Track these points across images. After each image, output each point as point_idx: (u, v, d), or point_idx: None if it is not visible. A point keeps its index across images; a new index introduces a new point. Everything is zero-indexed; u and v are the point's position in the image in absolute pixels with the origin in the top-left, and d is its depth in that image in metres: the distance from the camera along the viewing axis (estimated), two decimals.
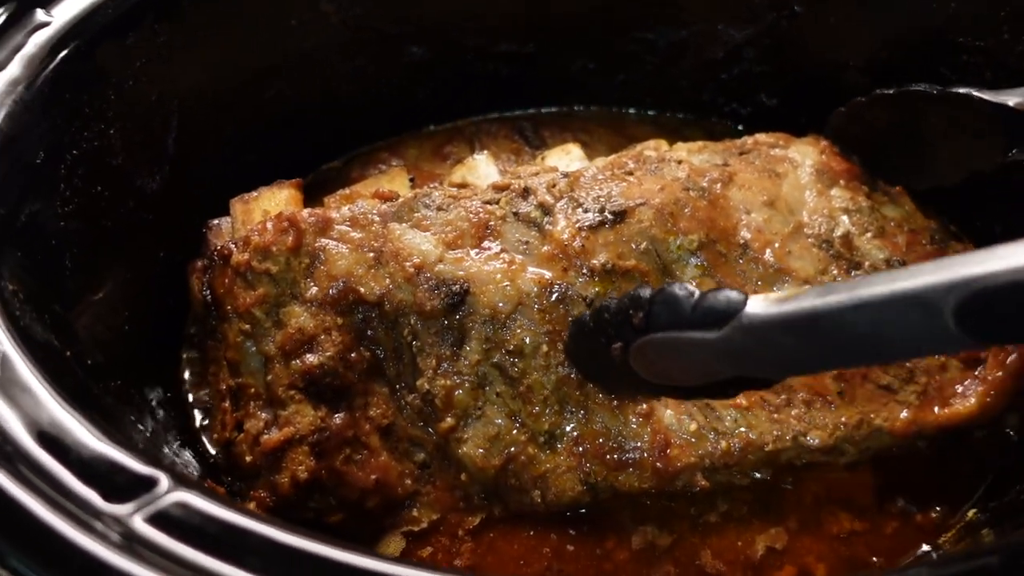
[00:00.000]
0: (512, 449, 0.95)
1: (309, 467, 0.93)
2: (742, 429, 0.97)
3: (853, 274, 1.06)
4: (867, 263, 1.07)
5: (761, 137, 1.20)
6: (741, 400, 0.98)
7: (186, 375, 1.11)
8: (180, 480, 0.65)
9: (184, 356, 1.13)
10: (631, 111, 1.44)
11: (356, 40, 1.28)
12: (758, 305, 0.73)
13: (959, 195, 1.16)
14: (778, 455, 0.98)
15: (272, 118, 1.26)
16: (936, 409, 1.00)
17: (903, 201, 1.17)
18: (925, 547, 0.96)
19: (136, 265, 1.07)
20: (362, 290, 0.96)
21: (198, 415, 1.08)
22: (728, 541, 0.97)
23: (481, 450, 0.95)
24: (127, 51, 1.04)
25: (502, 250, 1.00)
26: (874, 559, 0.95)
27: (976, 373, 1.01)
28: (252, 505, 0.92)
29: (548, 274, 0.99)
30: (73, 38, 0.99)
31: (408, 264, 0.97)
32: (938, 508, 0.99)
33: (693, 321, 0.77)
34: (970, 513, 0.98)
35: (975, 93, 1.06)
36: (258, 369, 0.98)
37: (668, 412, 0.97)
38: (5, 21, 0.97)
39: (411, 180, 1.19)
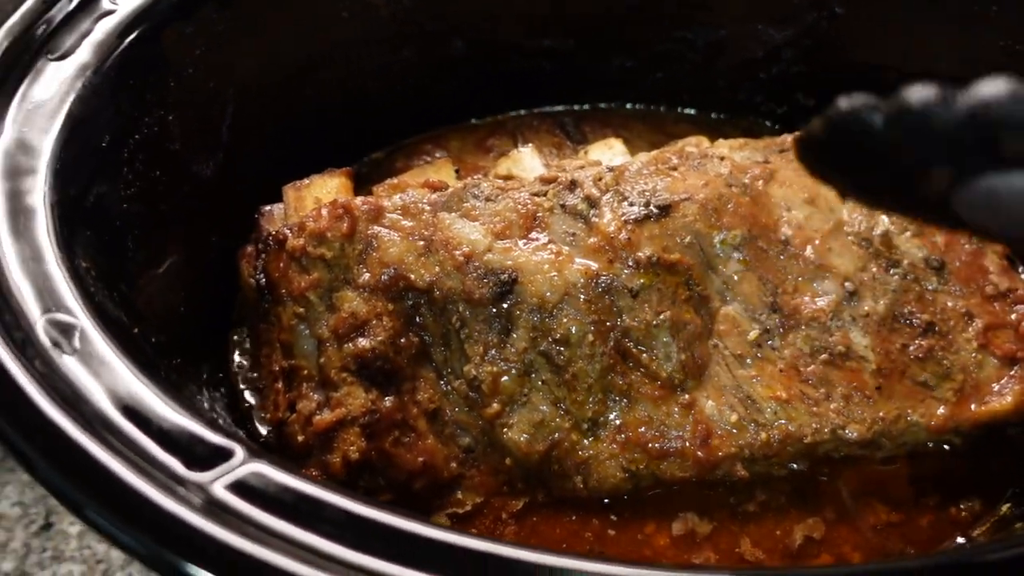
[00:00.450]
0: (556, 435, 0.97)
1: (360, 447, 0.95)
2: (782, 421, 0.99)
3: (891, 272, 1.08)
4: (906, 261, 1.09)
5: None
6: (781, 393, 1.00)
7: (235, 357, 1.14)
8: (254, 452, 0.68)
9: (232, 339, 1.16)
10: (669, 109, 1.46)
11: (402, 33, 1.30)
12: None
13: None
14: (816, 447, 1.00)
15: (319, 108, 1.29)
16: (972, 406, 1.02)
17: None
18: (960, 539, 0.98)
19: (190, 249, 1.10)
20: (412, 277, 0.99)
21: (247, 396, 1.10)
22: (767, 530, 0.99)
23: (525, 436, 0.97)
24: (187, 39, 1.07)
25: (549, 241, 1.03)
26: (909, 550, 0.97)
27: (1013, 372, 1.03)
28: None
29: (594, 265, 1.01)
30: (137, 25, 1.02)
31: (458, 253, 1.00)
32: (972, 502, 1.01)
33: None
34: (1004, 508, 1.00)
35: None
36: (311, 352, 1.00)
37: (710, 403, 0.99)
38: (74, 8, 1.00)
39: (456, 171, 1.22)
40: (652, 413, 0.99)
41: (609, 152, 1.22)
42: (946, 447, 1.04)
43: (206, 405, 0.97)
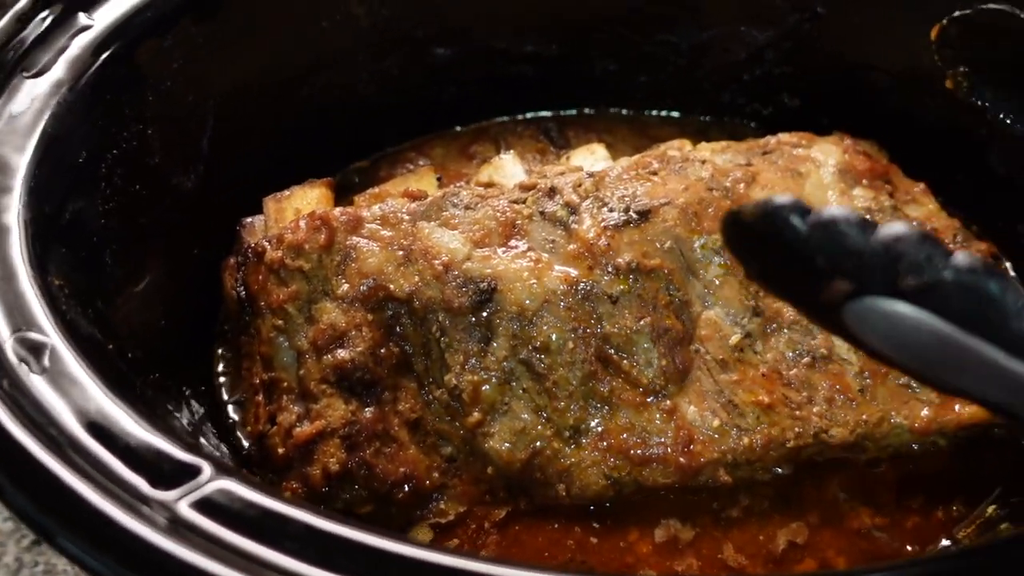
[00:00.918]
0: (538, 444, 0.97)
1: (340, 459, 0.95)
2: (764, 426, 0.99)
3: None
4: None
5: (784, 137, 1.21)
6: (763, 397, 1.00)
7: (219, 370, 1.14)
8: (221, 468, 0.68)
9: (217, 352, 1.16)
10: (654, 112, 1.46)
11: (384, 42, 1.30)
12: None
13: (982, 194, 1.17)
14: (800, 451, 1.00)
15: (302, 118, 1.29)
16: (957, 407, 1.01)
17: (925, 200, 1.18)
18: (945, 542, 0.97)
19: (172, 262, 1.10)
20: (392, 287, 0.99)
21: (231, 409, 1.10)
22: (750, 535, 0.98)
23: (507, 444, 0.97)
24: (165, 53, 1.07)
25: (529, 248, 1.02)
26: (894, 553, 0.97)
27: None
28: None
29: (574, 272, 1.01)
30: (114, 40, 1.02)
31: (437, 262, 1.00)
32: (957, 504, 1.00)
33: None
34: (989, 509, 0.99)
35: None
36: (291, 364, 1.00)
37: (691, 408, 0.99)
38: (49, 25, 1.00)
39: (438, 179, 1.22)
40: (634, 420, 0.98)
41: (591, 157, 1.21)
42: (931, 448, 1.03)
43: (185, 420, 0.97)
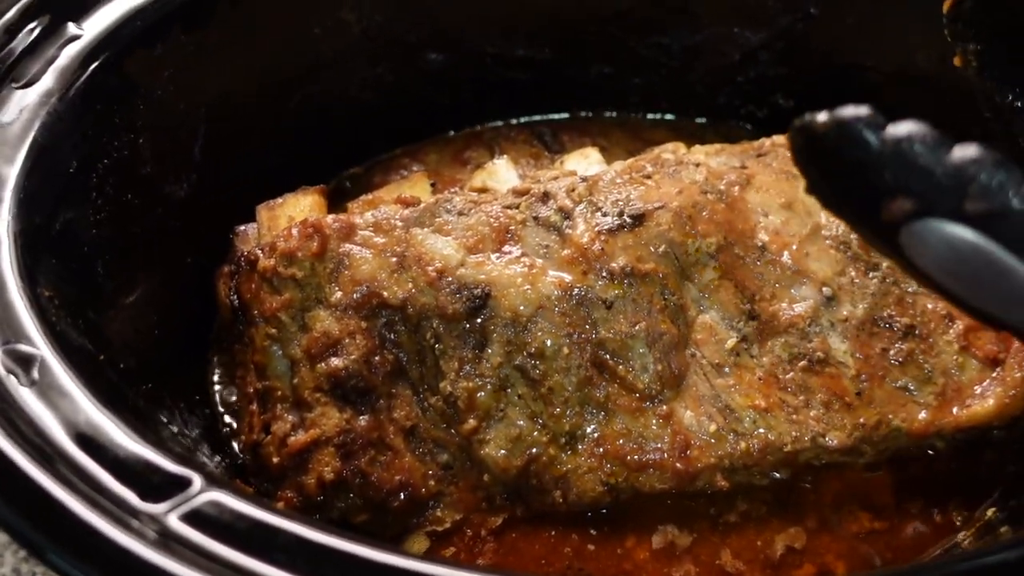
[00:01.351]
0: (534, 450, 0.97)
1: (335, 468, 0.95)
2: (761, 430, 0.98)
3: (871, 275, 1.07)
4: (885, 264, 1.07)
5: (778, 139, 1.21)
6: (760, 401, 0.99)
7: (214, 379, 1.14)
8: (212, 480, 0.68)
9: (212, 360, 1.15)
10: (648, 115, 1.45)
11: (377, 48, 1.30)
12: None
13: None
14: (797, 456, 0.99)
15: (295, 125, 1.28)
16: (955, 410, 1.00)
17: None
18: (944, 545, 0.96)
19: (165, 271, 1.10)
20: (385, 294, 0.98)
21: (226, 418, 1.10)
22: (748, 540, 0.98)
23: (503, 451, 0.97)
24: (155, 62, 1.07)
25: (522, 254, 1.02)
26: (893, 558, 0.96)
27: (995, 374, 1.02)
28: (280, 506, 0.94)
29: (568, 277, 1.00)
30: (103, 50, 1.02)
31: (430, 268, 0.99)
32: (957, 507, 0.99)
33: None
34: (989, 512, 0.98)
35: None
36: (284, 372, 1.00)
37: (688, 413, 0.98)
38: (39, 35, 1.00)
39: (432, 185, 1.21)
40: (630, 425, 0.98)
41: (585, 162, 1.21)
42: (929, 452, 1.03)
43: (178, 430, 0.96)
